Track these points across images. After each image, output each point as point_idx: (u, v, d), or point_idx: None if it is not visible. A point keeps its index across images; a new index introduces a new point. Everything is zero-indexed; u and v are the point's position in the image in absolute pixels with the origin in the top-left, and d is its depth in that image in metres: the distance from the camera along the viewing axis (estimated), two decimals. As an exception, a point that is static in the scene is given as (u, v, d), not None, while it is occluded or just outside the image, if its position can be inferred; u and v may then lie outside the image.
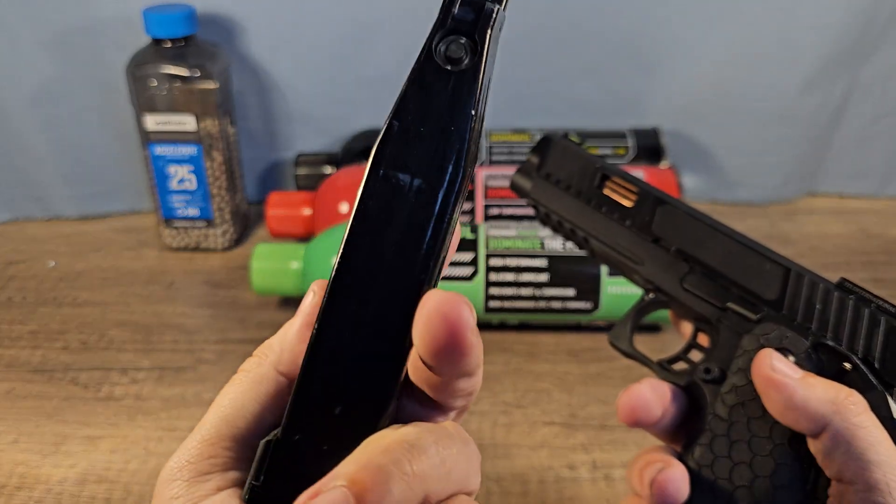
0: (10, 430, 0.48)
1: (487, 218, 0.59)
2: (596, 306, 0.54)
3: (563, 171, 0.36)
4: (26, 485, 0.44)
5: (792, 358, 0.29)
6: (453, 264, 0.53)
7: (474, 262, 0.54)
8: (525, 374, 0.53)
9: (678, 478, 0.28)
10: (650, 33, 0.67)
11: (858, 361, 0.28)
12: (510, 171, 0.61)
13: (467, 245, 0.54)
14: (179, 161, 0.63)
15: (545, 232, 0.54)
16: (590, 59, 0.68)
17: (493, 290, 0.54)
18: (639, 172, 0.61)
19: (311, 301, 0.23)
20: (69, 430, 0.48)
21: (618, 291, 0.53)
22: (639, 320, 0.33)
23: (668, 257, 0.33)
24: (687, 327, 0.34)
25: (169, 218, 0.66)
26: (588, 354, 0.55)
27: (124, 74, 0.61)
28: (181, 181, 0.64)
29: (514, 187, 0.38)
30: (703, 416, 0.30)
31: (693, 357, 0.32)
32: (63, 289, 0.62)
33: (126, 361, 0.54)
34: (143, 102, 0.61)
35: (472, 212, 0.59)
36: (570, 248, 0.53)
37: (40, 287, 0.63)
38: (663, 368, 0.32)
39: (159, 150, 0.62)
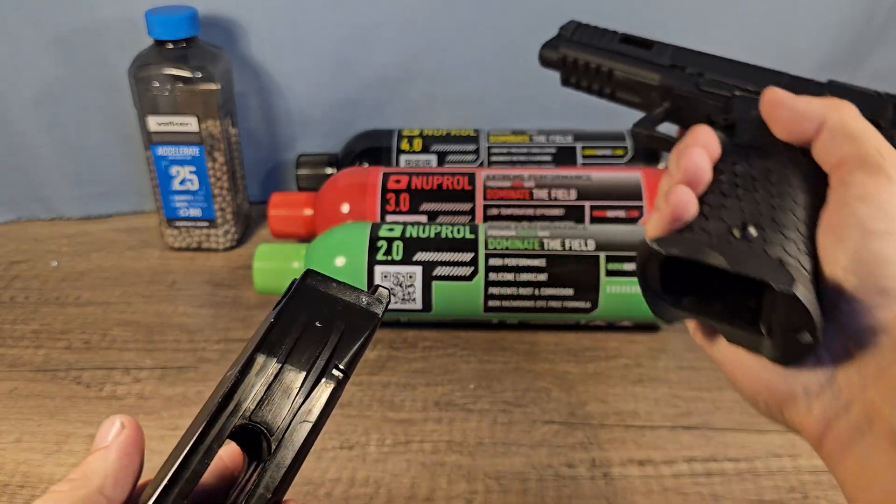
0: (12, 429, 0.48)
1: (487, 218, 0.60)
2: (595, 306, 0.54)
3: (590, 36, 0.44)
4: (29, 483, 0.45)
5: None
6: (454, 264, 0.54)
7: (474, 262, 0.54)
8: (524, 373, 0.53)
9: (686, 191, 0.29)
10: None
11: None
12: (509, 171, 0.61)
13: (467, 245, 0.54)
14: (182, 162, 0.63)
15: (544, 232, 0.55)
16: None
17: (493, 290, 0.54)
18: (636, 173, 0.61)
19: (126, 434, 0.26)
20: (72, 429, 0.48)
21: (617, 291, 0.54)
22: (658, 120, 0.40)
23: (683, 74, 0.40)
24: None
25: (171, 218, 0.66)
26: (587, 354, 0.55)
27: (126, 76, 0.61)
28: (183, 182, 0.64)
29: (544, 56, 0.46)
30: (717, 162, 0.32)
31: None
32: (66, 288, 0.63)
33: (128, 361, 0.54)
34: (146, 104, 0.61)
35: (471, 212, 0.60)
36: (569, 247, 0.54)
37: (43, 287, 0.63)
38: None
39: (162, 150, 0.63)
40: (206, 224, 0.66)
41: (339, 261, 0.54)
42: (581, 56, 0.44)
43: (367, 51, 0.68)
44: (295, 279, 0.27)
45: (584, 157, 0.66)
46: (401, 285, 0.54)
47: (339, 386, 0.26)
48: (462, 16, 0.66)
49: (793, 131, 0.30)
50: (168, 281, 0.64)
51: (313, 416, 0.25)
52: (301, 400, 0.25)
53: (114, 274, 0.65)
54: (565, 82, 0.46)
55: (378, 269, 0.54)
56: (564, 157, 0.66)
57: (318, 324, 0.26)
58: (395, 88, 0.70)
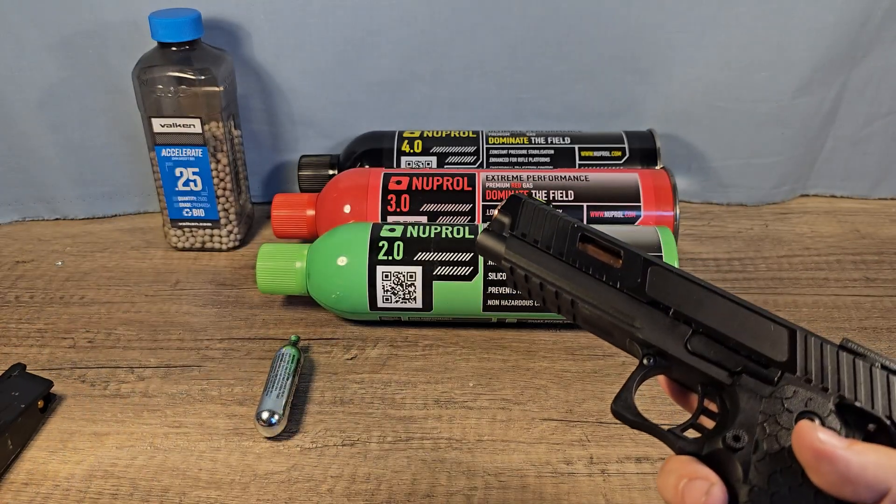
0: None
1: (486, 219, 0.60)
2: (593, 305, 0.55)
3: (540, 231, 0.33)
4: (34, 481, 0.45)
5: (818, 421, 0.28)
6: (454, 264, 0.55)
7: (473, 262, 0.55)
8: (523, 371, 0.54)
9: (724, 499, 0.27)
10: (645, 38, 0.68)
11: (888, 422, 0.27)
12: (508, 172, 0.62)
13: (467, 245, 0.55)
14: (185, 163, 0.64)
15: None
16: (585, 63, 0.69)
17: (492, 289, 0.55)
18: (633, 175, 0.62)
19: None
20: (76, 427, 0.49)
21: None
22: (638, 387, 0.32)
23: (666, 320, 0.31)
24: (674, 390, 0.33)
25: (175, 218, 0.67)
26: (585, 352, 0.56)
27: (129, 77, 0.62)
28: (187, 183, 0.65)
29: (483, 249, 0.35)
30: (735, 486, 0.28)
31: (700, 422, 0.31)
32: (70, 288, 0.63)
33: (132, 359, 0.55)
34: (150, 106, 0.62)
35: (471, 212, 0.60)
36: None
37: (48, 286, 0.64)
38: (677, 437, 0.30)
39: (166, 152, 0.63)
40: (209, 224, 0.67)
41: (341, 260, 0.55)
42: (532, 273, 0.33)
43: (369, 54, 0.68)
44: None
45: (582, 158, 0.66)
46: (401, 285, 0.55)
47: None
48: (462, 19, 0.67)
49: (840, 491, 0.25)
50: (172, 280, 0.64)
51: None
52: None
53: (118, 274, 0.65)
54: (514, 287, 0.36)
55: (379, 268, 0.54)
56: (562, 158, 0.66)
57: None
58: (396, 91, 0.70)
